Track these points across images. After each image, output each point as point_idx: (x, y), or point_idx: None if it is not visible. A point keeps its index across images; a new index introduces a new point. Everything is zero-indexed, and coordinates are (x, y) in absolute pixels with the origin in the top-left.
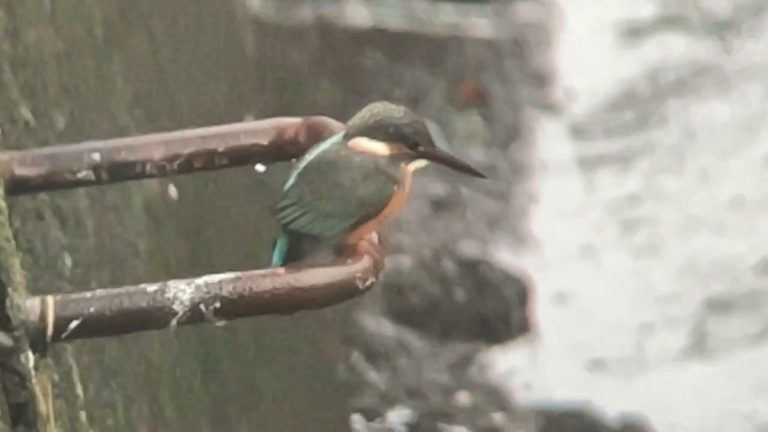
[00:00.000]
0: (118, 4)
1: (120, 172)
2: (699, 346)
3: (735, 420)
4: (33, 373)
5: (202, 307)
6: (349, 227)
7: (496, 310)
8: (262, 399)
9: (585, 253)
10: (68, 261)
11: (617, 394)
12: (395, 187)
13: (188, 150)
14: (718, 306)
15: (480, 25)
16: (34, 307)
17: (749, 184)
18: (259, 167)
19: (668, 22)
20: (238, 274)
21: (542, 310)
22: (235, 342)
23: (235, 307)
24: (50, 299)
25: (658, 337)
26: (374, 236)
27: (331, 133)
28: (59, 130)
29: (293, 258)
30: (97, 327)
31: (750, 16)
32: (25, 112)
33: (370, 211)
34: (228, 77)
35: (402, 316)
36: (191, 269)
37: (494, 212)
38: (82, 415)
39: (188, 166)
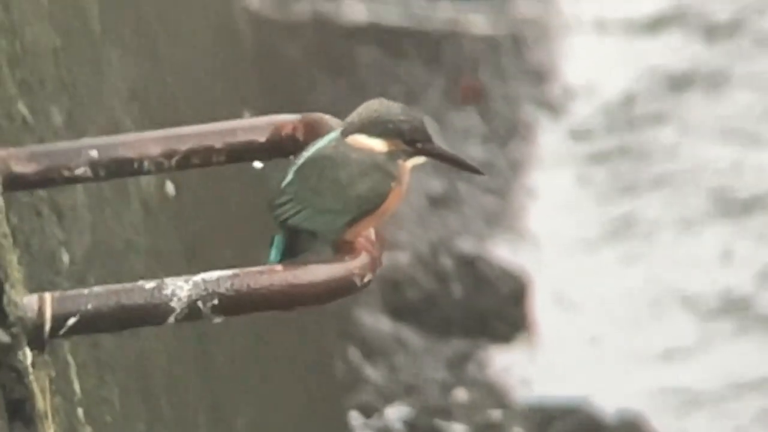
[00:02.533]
0: None
1: (117, 168)
2: (697, 341)
3: (728, 418)
4: (30, 369)
5: (199, 304)
6: (346, 224)
7: (493, 306)
8: (258, 395)
9: (582, 249)
10: (65, 257)
11: (615, 390)
12: (393, 184)
13: (185, 147)
14: (716, 302)
15: (477, 21)
16: (31, 303)
17: (749, 181)
18: (257, 164)
19: (668, 19)
20: (236, 270)
21: (540, 306)
22: (232, 338)
23: (233, 304)
24: (47, 296)
25: (656, 333)
26: (372, 233)
27: (329, 130)
28: (56, 126)
29: (291, 255)
30: (94, 324)
31: (751, 17)
32: (23, 109)
33: (368, 207)
34: (225, 73)
35: (399, 312)
36: (189, 266)
37: (492, 208)
38: (79, 411)
39: (185, 162)
